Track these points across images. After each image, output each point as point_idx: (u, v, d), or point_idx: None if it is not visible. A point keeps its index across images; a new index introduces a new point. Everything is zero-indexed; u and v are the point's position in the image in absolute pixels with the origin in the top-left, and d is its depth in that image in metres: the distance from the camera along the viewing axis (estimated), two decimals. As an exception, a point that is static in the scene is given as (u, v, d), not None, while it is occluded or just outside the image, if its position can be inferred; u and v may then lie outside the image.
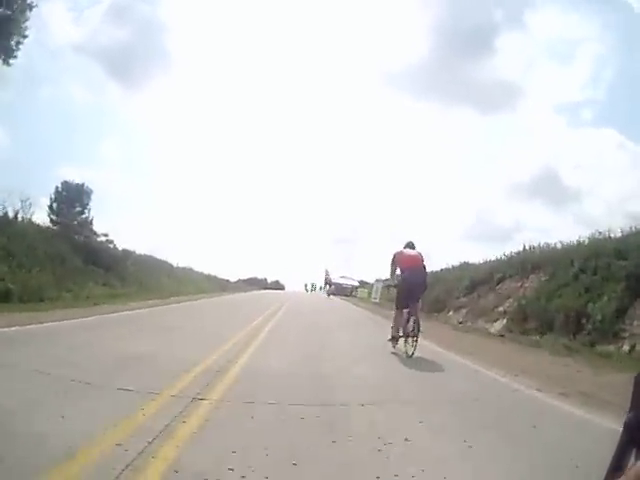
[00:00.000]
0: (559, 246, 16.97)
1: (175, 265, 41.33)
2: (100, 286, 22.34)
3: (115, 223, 78.11)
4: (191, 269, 42.51)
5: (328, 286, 50.14)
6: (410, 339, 9.25)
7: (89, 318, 11.18)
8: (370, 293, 33.95)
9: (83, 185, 30.86)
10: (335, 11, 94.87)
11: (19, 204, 20.38)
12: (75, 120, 73.99)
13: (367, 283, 50.10)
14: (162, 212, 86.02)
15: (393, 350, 9.64)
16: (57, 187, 31.34)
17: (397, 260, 9.98)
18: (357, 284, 50.64)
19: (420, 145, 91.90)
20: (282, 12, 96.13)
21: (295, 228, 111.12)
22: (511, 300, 16.21)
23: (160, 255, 33.22)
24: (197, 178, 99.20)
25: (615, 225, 17.91)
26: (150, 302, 17.89)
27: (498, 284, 18.49)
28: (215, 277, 51.83)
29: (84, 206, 31.54)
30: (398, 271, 9.95)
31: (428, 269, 10.63)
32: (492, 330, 15.44)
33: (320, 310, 22.56)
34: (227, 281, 57.60)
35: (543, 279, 15.48)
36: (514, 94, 71.11)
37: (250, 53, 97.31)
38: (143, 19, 68.99)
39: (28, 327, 8.76)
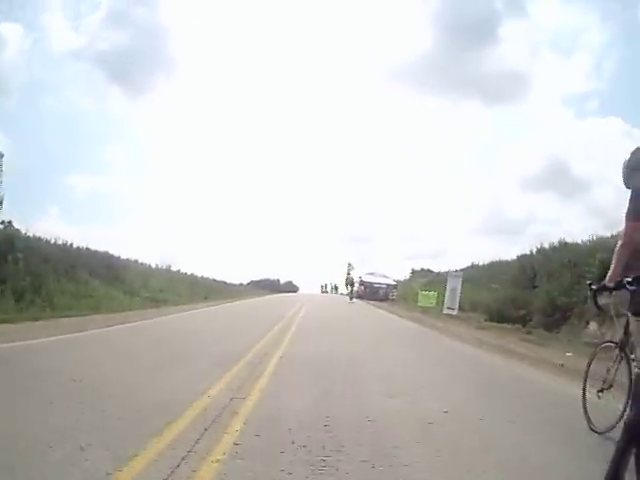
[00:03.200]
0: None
1: (143, 263, 30.53)
2: None
3: (125, 230, 71.52)
4: (165, 269, 31.48)
5: (350, 287, 36.96)
6: None
7: None
8: (438, 296, 21.27)
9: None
10: (335, 6, 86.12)
11: None
12: (80, 127, 69.79)
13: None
14: (171, 216, 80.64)
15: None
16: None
17: None
18: (393, 283, 37.82)
19: (428, 139, 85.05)
20: (282, 10, 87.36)
21: (307, 226, 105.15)
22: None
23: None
24: (204, 180, 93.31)
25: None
26: None
27: None
28: (206, 279, 40.89)
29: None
30: None
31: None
32: None
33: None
34: (225, 284, 46.83)
35: None
36: (520, 85, 68.60)
37: (252, 52, 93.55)
38: (144, 24, 62.65)
39: None
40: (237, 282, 60.12)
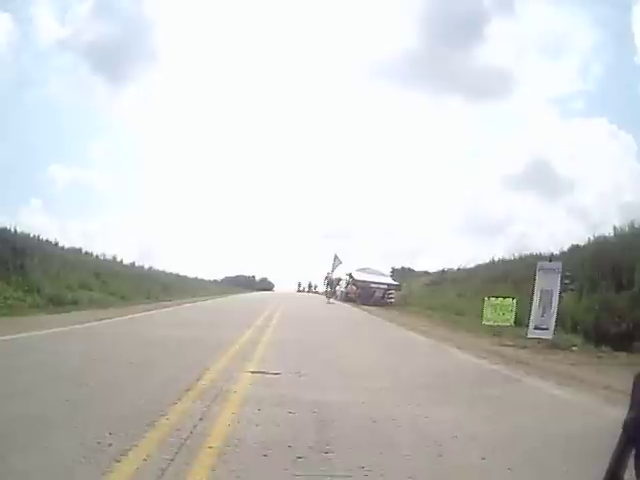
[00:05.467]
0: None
1: (88, 253, 24.08)
2: None
3: (103, 223, 72.33)
4: (111, 260, 24.85)
5: (329, 286, 30.84)
6: None
7: None
8: (510, 309, 11.99)
9: None
10: (321, 1, 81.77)
11: None
12: (62, 119, 67.37)
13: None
14: (151, 211, 79.05)
15: None
16: None
17: None
18: (394, 283, 30.37)
19: (410, 136, 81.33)
20: (267, 4, 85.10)
21: (283, 222, 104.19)
22: None
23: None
24: (184, 175, 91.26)
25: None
26: None
27: None
28: (166, 275, 34.46)
29: None
30: None
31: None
32: None
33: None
34: (187, 279, 40.69)
35: None
36: (506, 84, 68.43)
37: (236, 47, 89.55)
38: (129, 15, 60.75)
39: None
40: (211, 278, 55.77)
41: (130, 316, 12.33)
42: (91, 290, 16.46)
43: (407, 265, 45.09)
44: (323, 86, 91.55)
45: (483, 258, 26.51)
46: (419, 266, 44.98)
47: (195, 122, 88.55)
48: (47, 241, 19.75)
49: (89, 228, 62.64)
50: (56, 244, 20.56)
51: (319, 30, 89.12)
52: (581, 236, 30.28)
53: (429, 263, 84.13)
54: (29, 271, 14.07)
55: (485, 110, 75.89)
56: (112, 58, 58.94)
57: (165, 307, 16.39)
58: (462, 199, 76.41)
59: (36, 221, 52.86)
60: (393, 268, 41.65)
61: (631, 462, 1.18)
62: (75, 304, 13.53)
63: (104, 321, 10.72)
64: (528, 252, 21.79)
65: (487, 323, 11.85)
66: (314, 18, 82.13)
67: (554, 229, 56.23)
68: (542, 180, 58.53)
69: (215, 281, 56.68)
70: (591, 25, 64.05)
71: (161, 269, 36.05)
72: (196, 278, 46.05)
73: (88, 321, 10.09)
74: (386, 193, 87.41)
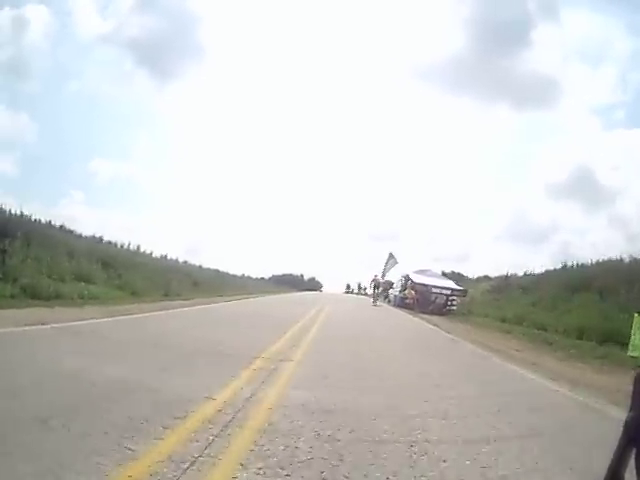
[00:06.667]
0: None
1: (110, 242, 21.93)
2: None
3: (147, 217, 72.17)
4: (133, 250, 22.49)
5: (375, 289, 27.96)
6: None
7: None
8: None
9: None
10: (368, 2, 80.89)
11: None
12: (105, 112, 69.26)
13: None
14: (195, 206, 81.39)
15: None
16: None
17: None
18: (458, 287, 25.51)
19: (455, 140, 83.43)
20: (313, 4, 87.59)
21: (332, 223, 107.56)
22: None
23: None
24: (230, 172, 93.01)
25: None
26: None
27: None
28: (202, 270, 32.37)
29: None
30: None
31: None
32: None
33: None
34: (226, 276, 38.29)
35: None
36: (550, 91, 66.60)
37: (281, 44, 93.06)
38: (174, 11, 62.85)
39: None
40: (258, 276, 54.79)
41: (91, 320, 8.65)
42: (92, 282, 13.87)
43: (457, 270, 42.30)
44: (370, 87, 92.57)
45: (537, 265, 24.02)
46: (466, 271, 42.56)
47: (243, 119, 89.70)
48: (58, 226, 17.54)
49: (132, 222, 63.06)
50: (71, 231, 18.31)
51: (365, 31, 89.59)
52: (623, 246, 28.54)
53: (473, 269, 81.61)
54: (11, 256, 11.56)
55: (530, 117, 73.81)
56: (157, 53, 60.11)
57: (172, 308, 12.91)
58: (506, 206, 75.29)
59: (76, 213, 52.71)
60: (443, 272, 38.28)
61: (632, 461, 1.21)
62: (58, 298, 10.86)
63: (27, 328, 6.94)
64: (606, 257, 18.95)
65: (633, 354, 7.73)
66: (360, 18, 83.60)
67: (596, 238, 53.82)
68: (584, 189, 58.33)
69: (262, 279, 55.19)
70: (633, 33, 60.66)
71: (197, 264, 33.97)
72: (240, 275, 44.33)
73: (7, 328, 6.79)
74: (432, 197, 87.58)
